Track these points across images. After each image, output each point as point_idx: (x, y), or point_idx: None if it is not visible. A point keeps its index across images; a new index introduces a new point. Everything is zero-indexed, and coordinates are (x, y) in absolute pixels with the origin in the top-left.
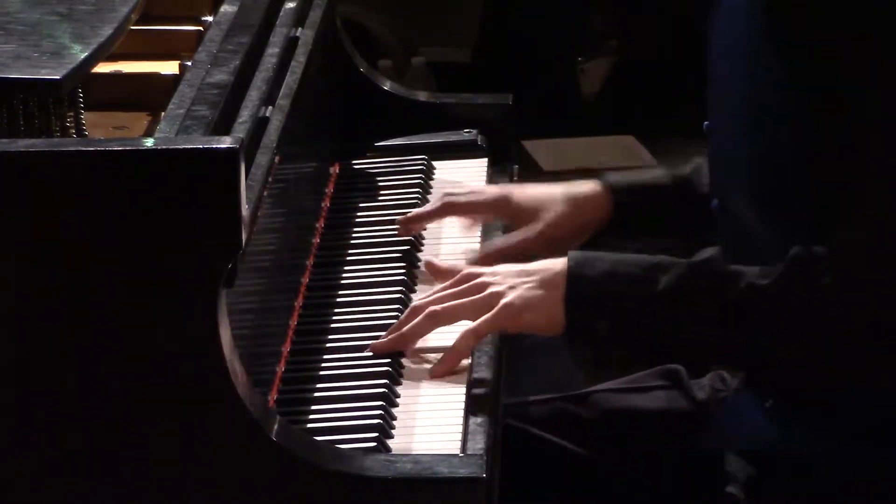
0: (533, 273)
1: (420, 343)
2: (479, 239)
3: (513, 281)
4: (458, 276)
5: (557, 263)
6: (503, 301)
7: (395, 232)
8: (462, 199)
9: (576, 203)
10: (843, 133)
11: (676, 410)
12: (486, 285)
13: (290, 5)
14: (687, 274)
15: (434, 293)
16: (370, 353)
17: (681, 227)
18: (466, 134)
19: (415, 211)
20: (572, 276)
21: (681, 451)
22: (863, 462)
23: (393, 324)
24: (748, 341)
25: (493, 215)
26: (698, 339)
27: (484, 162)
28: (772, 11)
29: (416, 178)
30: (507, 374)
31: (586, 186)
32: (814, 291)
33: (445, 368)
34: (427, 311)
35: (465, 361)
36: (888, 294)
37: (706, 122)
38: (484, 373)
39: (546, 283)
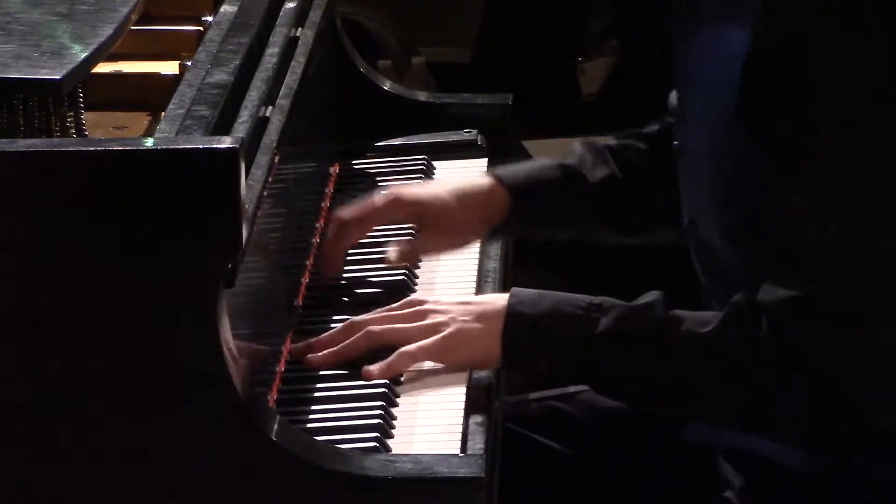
0: (475, 306)
1: None
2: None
3: (455, 313)
4: (402, 302)
5: (499, 299)
6: (443, 333)
7: (395, 232)
8: (350, 213)
9: (472, 198)
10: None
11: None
12: (427, 313)
13: (290, 5)
14: (626, 317)
15: (375, 313)
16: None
17: (571, 219)
18: (466, 134)
19: (323, 245)
20: (511, 313)
21: (671, 447)
22: (852, 473)
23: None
24: (684, 388)
25: (395, 217)
26: (634, 383)
27: (484, 162)
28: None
29: (416, 178)
30: (508, 373)
31: (485, 183)
32: (750, 343)
33: (375, 375)
34: (366, 329)
35: None
36: (825, 351)
37: (675, 142)
38: (484, 372)
39: (484, 318)
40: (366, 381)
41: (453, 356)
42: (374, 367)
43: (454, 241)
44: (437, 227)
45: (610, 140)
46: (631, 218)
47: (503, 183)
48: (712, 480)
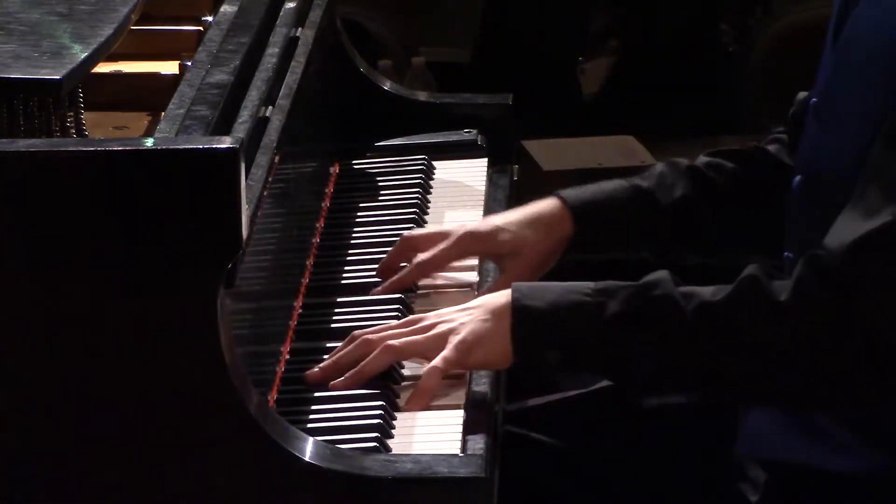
0: (479, 308)
1: None
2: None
3: (460, 318)
4: (404, 320)
5: (501, 296)
6: (455, 338)
7: (396, 232)
8: (429, 256)
9: (546, 227)
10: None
11: (691, 407)
12: (434, 325)
13: (290, 5)
14: (634, 297)
15: (382, 328)
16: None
17: (643, 241)
18: (466, 134)
19: (393, 280)
20: (516, 309)
21: (673, 447)
22: (883, 477)
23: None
24: (700, 362)
25: (470, 257)
26: (651, 364)
27: (484, 162)
28: None
29: (416, 178)
30: (508, 373)
31: (551, 207)
32: (769, 307)
33: (418, 406)
34: (385, 345)
35: None
36: (845, 316)
37: (813, 100)
38: (484, 372)
39: (493, 315)
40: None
41: (473, 358)
42: (412, 402)
43: (536, 268)
44: (516, 261)
45: (699, 158)
46: (708, 239)
47: (566, 203)
48: (717, 478)
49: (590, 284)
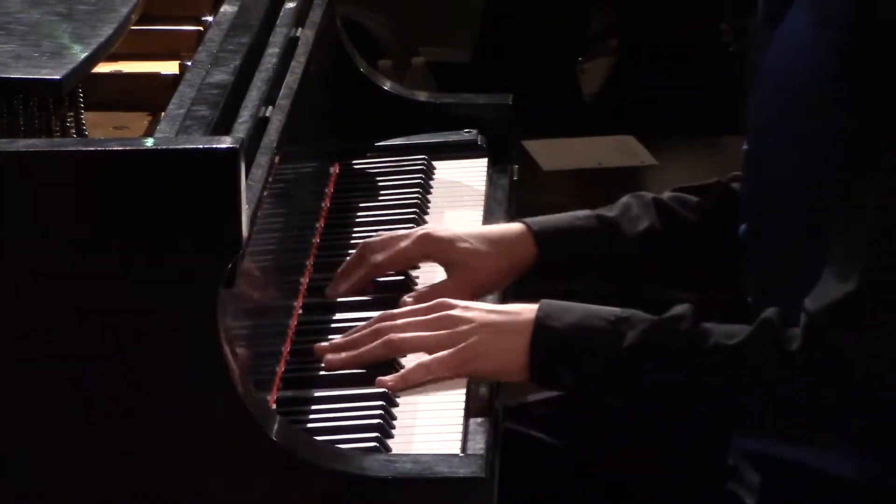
0: (502, 316)
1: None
2: None
3: (479, 322)
4: (433, 303)
5: (527, 311)
6: (463, 344)
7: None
8: (381, 257)
9: (507, 248)
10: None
11: None
12: (454, 322)
13: (290, 5)
14: (653, 331)
15: (404, 313)
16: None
17: (606, 271)
18: (466, 134)
19: (339, 273)
20: (539, 326)
21: (673, 446)
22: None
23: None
24: (713, 401)
25: (424, 261)
26: (663, 397)
27: (484, 162)
28: (857, 51)
29: (416, 178)
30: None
31: (514, 230)
32: (781, 354)
33: (388, 386)
34: (387, 338)
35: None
36: (856, 364)
37: (744, 145)
38: None
39: (513, 329)
40: (370, 374)
41: (471, 368)
42: (388, 378)
43: (478, 287)
44: (464, 270)
45: (664, 193)
46: (671, 272)
47: (530, 229)
48: (716, 477)
49: (615, 311)
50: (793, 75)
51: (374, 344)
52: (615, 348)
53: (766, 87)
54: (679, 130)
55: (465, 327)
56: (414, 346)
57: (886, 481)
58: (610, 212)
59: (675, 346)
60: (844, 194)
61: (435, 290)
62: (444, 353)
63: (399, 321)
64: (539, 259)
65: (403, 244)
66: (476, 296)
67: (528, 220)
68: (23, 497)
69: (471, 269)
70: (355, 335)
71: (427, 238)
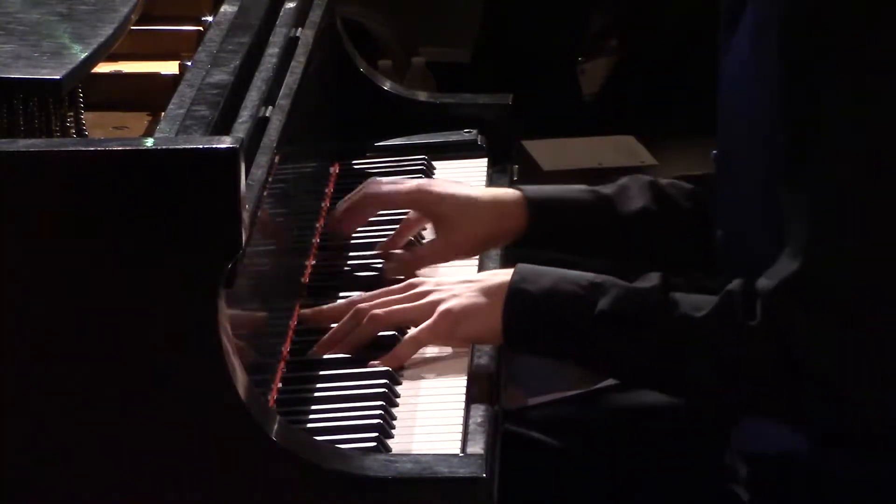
0: (476, 283)
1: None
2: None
3: (455, 290)
4: (403, 284)
5: (501, 275)
6: (442, 308)
7: (395, 232)
8: (382, 188)
9: (498, 212)
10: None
11: (683, 406)
12: (428, 293)
13: (290, 5)
14: (624, 298)
15: (376, 294)
16: (370, 354)
17: (598, 246)
18: (466, 134)
19: (339, 206)
20: (512, 290)
21: (673, 445)
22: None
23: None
24: (676, 371)
25: (414, 209)
26: (630, 364)
27: (484, 162)
28: (785, 52)
29: (416, 179)
30: (508, 373)
31: (509, 195)
32: (741, 330)
33: (382, 365)
34: (369, 315)
35: (467, 360)
36: (811, 335)
37: (714, 152)
38: (484, 372)
39: (487, 293)
40: (370, 373)
41: (456, 329)
42: (380, 360)
43: (463, 248)
44: (451, 230)
45: (661, 180)
46: (662, 253)
47: (525, 196)
48: (715, 478)
49: (588, 276)
50: (745, 80)
51: (362, 325)
52: (585, 314)
53: (727, 95)
54: (679, 130)
55: (442, 294)
56: (397, 317)
57: (881, 478)
58: (607, 189)
59: (644, 316)
60: (790, 178)
61: (420, 250)
62: (429, 322)
63: (375, 301)
64: (530, 227)
65: (400, 187)
66: (460, 257)
67: (525, 187)
68: (23, 497)
69: (457, 229)
70: (337, 326)
71: (420, 188)
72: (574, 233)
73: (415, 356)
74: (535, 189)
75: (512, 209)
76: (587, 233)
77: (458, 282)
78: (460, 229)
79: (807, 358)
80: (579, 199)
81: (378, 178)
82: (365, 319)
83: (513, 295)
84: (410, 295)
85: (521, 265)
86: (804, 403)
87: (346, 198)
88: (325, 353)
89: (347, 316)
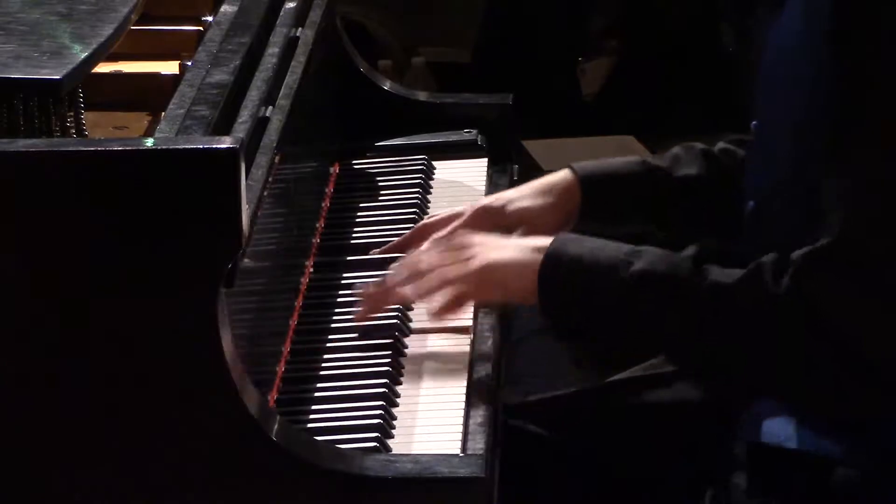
0: (517, 241)
1: (420, 344)
2: None
3: (494, 244)
4: (446, 234)
5: (541, 238)
6: (479, 263)
7: (395, 232)
8: (441, 227)
9: (553, 194)
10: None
11: (689, 400)
12: (468, 245)
13: (290, 5)
14: (657, 264)
15: (423, 250)
16: (370, 353)
17: (654, 215)
18: (466, 134)
19: (395, 244)
20: (550, 252)
21: (673, 443)
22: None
23: (393, 324)
24: (702, 338)
25: (483, 229)
26: (657, 329)
27: (484, 162)
28: (837, 28)
29: (416, 178)
30: (508, 373)
31: (562, 178)
32: (768, 299)
33: (408, 295)
34: (410, 265)
35: (467, 360)
36: (841, 303)
37: (754, 123)
38: (484, 372)
39: (528, 251)
40: (370, 373)
41: (492, 289)
42: (406, 287)
43: (550, 234)
44: (528, 228)
45: (717, 145)
46: (715, 219)
47: (576, 173)
48: (720, 472)
49: (627, 246)
50: (791, 52)
51: (400, 275)
52: (618, 277)
53: (771, 66)
54: (679, 130)
55: (478, 249)
56: (442, 277)
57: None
58: (657, 160)
59: (674, 278)
60: (832, 153)
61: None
62: (468, 273)
63: (419, 254)
64: (585, 204)
65: (458, 222)
66: None
67: (575, 164)
68: (22, 497)
69: (533, 227)
70: (387, 279)
71: (483, 212)
72: (627, 204)
73: (415, 356)
74: (584, 165)
75: (566, 189)
76: (639, 203)
77: (497, 238)
78: (532, 225)
79: (831, 323)
80: (631, 171)
81: (430, 223)
82: (405, 272)
83: (550, 255)
84: (449, 247)
85: (562, 233)
86: (824, 373)
87: (398, 242)
88: (371, 307)
89: (398, 272)
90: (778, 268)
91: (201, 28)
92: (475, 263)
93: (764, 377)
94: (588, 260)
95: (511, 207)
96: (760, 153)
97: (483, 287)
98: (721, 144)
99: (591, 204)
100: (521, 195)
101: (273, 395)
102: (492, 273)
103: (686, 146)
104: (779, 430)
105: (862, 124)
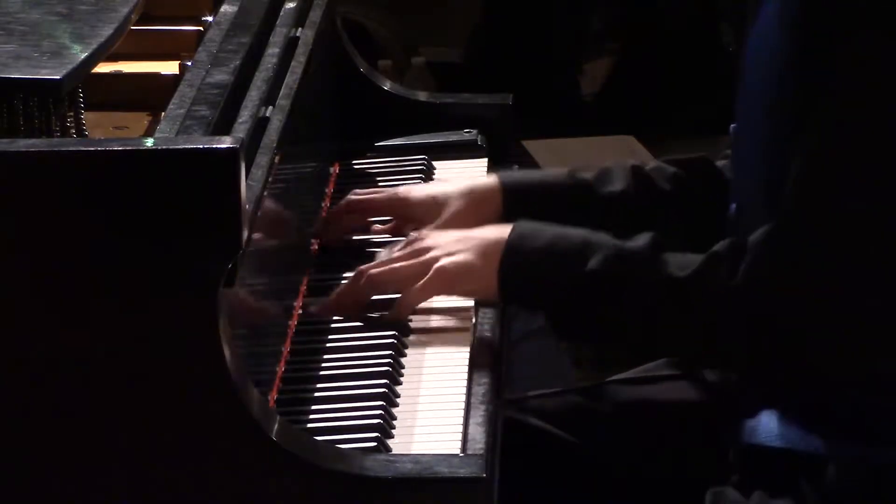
0: (474, 239)
1: (421, 344)
2: None
3: (452, 247)
4: (403, 242)
5: (497, 231)
6: (437, 265)
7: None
8: (360, 196)
9: (472, 199)
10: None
11: (690, 401)
12: (426, 250)
13: (290, 5)
14: (613, 257)
15: (381, 255)
16: (370, 353)
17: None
18: (466, 134)
19: (327, 213)
20: (509, 248)
21: (674, 441)
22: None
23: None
24: (659, 331)
25: (393, 215)
26: (618, 323)
27: (484, 162)
28: (804, 23)
29: (416, 179)
30: (508, 372)
31: (484, 184)
32: (722, 289)
33: (389, 319)
34: (366, 275)
35: (467, 360)
36: (793, 301)
37: (732, 125)
38: (484, 371)
39: (484, 250)
40: (370, 373)
41: (451, 287)
42: (384, 317)
43: None
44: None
45: (649, 163)
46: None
47: (501, 182)
48: (721, 469)
49: (583, 233)
50: (766, 52)
51: (359, 284)
52: (578, 273)
53: (748, 69)
54: (679, 130)
55: (436, 252)
56: (394, 277)
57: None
58: (587, 173)
59: (631, 274)
60: (791, 142)
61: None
62: (423, 280)
63: (375, 262)
64: (507, 212)
65: (375, 196)
66: None
67: (503, 173)
68: (22, 497)
69: (444, 225)
70: (339, 289)
71: (398, 199)
72: (551, 217)
73: (415, 356)
74: (510, 175)
75: (488, 197)
76: (564, 216)
77: (455, 238)
78: (438, 222)
79: (781, 310)
80: (556, 183)
81: (356, 191)
82: (362, 280)
83: (509, 253)
84: (409, 253)
85: (520, 222)
86: (773, 361)
87: (331, 211)
88: (326, 315)
89: (350, 279)
90: (733, 257)
91: (201, 28)
92: (433, 274)
93: (717, 362)
94: (545, 259)
95: (426, 204)
96: (738, 155)
97: (441, 289)
98: (652, 162)
99: (512, 213)
100: (444, 193)
101: (273, 395)
102: (451, 280)
103: (617, 162)
104: (762, 429)
105: (816, 108)
